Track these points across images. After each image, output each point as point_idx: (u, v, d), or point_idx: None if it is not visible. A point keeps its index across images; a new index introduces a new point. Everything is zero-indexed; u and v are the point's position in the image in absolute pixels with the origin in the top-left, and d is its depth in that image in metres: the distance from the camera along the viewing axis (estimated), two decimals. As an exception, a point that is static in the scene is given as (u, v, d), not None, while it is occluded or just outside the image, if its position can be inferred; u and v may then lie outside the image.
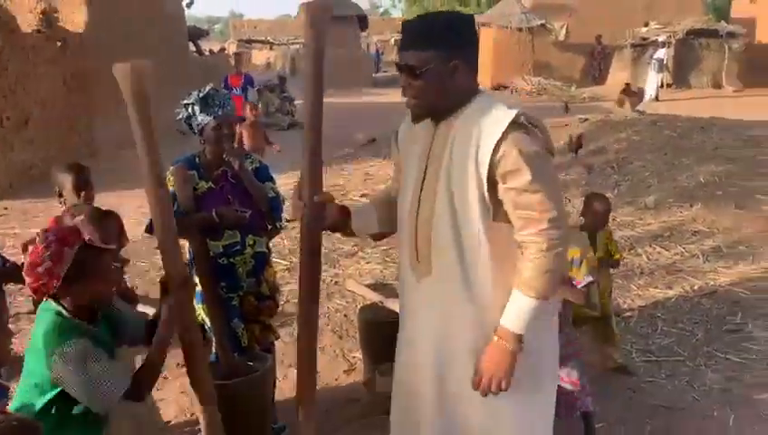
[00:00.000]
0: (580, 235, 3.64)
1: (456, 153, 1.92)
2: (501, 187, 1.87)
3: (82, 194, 3.19)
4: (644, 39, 21.16)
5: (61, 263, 1.85)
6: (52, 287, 1.87)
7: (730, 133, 8.84)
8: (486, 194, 1.88)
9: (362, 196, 7.82)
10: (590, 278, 2.98)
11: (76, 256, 1.86)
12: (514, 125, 1.84)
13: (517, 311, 1.88)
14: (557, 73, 22.63)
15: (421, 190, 2.02)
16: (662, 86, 18.91)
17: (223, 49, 26.67)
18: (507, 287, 1.91)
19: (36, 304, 2.09)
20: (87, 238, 1.93)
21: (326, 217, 2.12)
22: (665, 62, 18.83)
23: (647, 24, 22.18)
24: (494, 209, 1.90)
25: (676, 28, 20.80)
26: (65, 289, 1.89)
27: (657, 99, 17.64)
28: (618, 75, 22.00)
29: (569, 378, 3.02)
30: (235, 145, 3.44)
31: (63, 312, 1.92)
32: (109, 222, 2.87)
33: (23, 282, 2.89)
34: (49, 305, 1.93)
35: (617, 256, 3.80)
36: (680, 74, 20.83)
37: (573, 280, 2.96)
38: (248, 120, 7.80)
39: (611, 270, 3.94)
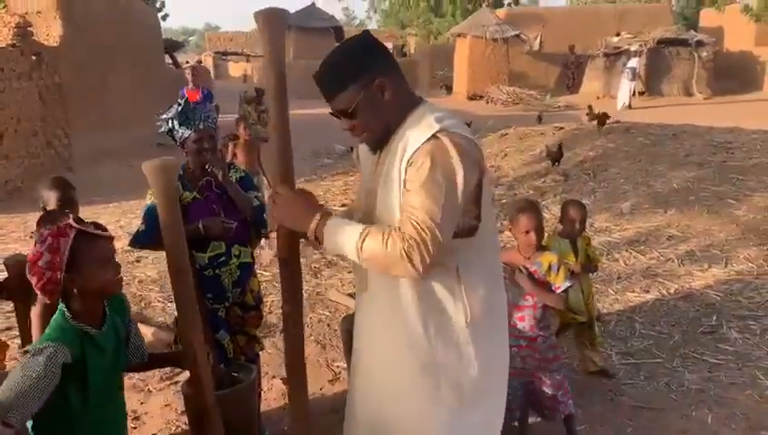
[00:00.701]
0: (561, 241, 3.73)
1: (386, 171, 1.92)
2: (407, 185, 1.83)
3: (66, 211, 3.17)
4: (616, 48, 21.55)
5: (58, 253, 1.89)
6: (58, 280, 1.91)
7: (700, 140, 9.03)
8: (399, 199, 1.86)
9: (342, 205, 7.86)
10: (569, 283, 3.05)
11: (73, 244, 1.91)
12: (433, 138, 1.81)
13: (345, 232, 1.84)
14: (532, 83, 22.98)
15: (366, 208, 2.05)
16: (634, 94, 19.25)
17: (200, 61, 26.58)
18: (432, 305, 1.92)
19: (50, 309, 2.13)
20: (79, 227, 1.95)
21: None
22: (637, 70, 19.18)
23: (618, 34, 22.60)
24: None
25: (647, 37, 21.22)
26: (72, 282, 1.93)
27: (630, 107, 17.96)
28: (591, 84, 22.40)
29: (550, 381, 3.08)
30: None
31: (66, 313, 1.97)
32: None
33: (7, 298, 2.89)
34: (59, 307, 1.98)
35: (597, 261, 3.89)
36: (652, 83, 21.23)
37: (553, 286, 3.03)
38: (241, 138, 7.22)
39: (591, 275, 4.03)
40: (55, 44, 11.16)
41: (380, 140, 1.96)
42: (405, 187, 1.83)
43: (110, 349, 2.06)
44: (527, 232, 3.02)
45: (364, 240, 1.79)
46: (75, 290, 1.95)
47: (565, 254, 3.57)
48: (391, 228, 1.79)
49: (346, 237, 1.83)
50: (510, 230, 3.29)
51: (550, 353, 3.11)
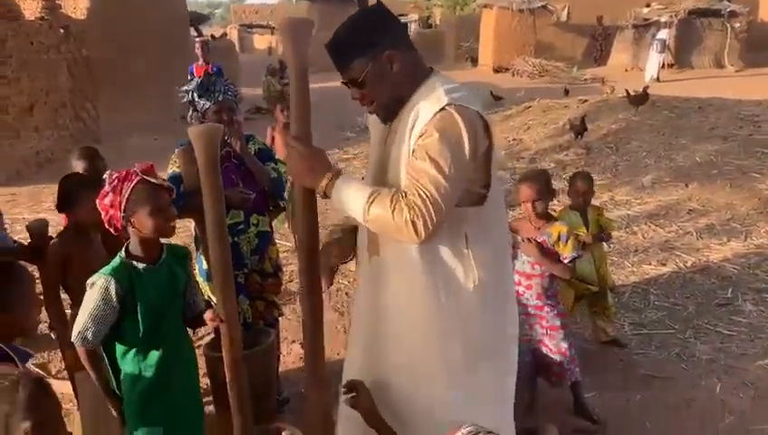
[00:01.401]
0: (571, 214, 3.77)
1: (397, 140, 1.99)
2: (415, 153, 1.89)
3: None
4: (646, 19, 21.06)
5: (120, 194, 2.21)
6: (118, 218, 2.22)
7: (727, 113, 8.89)
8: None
9: (363, 178, 7.94)
10: (576, 254, 3.10)
11: (134, 188, 2.22)
12: (442, 110, 1.87)
13: (353, 192, 1.89)
14: (558, 54, 22.58)
15: (374, 175, 2.13)
16: (664, 67, 18.86)
17: (224, 34, 26.67)
18: (442, 270, 1.99)
19: (115, 244, 2.51)
20: (142, 175, 2.24)
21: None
22: (667, 42, 18.76)
23: (648, 5, 22.07)
24: None
25: (678, 8, 20.69)
26: (128, 221, 2.24)
27: (658, 79, 17.62)
28: (619, 56, 21.95)
29: (557, 349, 3.16)
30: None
31: (123, 254, 2.31)
32: None
33: (31, 261, 3.07)
34: (120, 252, 2.34)
35: (609, 229, 3.92)
36: (682, 55, 20.74)
37: (561, 256, 3.09)
38: (279, 122, 6.15)
39: (605, 245, 4.07)
40: (83, 17, 11.32)
41: (389, 111, 2.02)
42: (413, 154, 1.90)
43: (160, 287, 2.33)
44: (525, 202, 3.09)
45: (372, 203, 1.86)
46: (131, 229, 2.26)
47: (575, 226, 3.61)
48: (398, 195, 1.86)
49: (354, 198, 1.90)
50: None
51: (557, 322, 3.17)
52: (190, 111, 3.28)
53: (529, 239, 3.08)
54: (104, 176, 2.29)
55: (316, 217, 2.05)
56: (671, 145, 8.09)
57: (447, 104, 1.87)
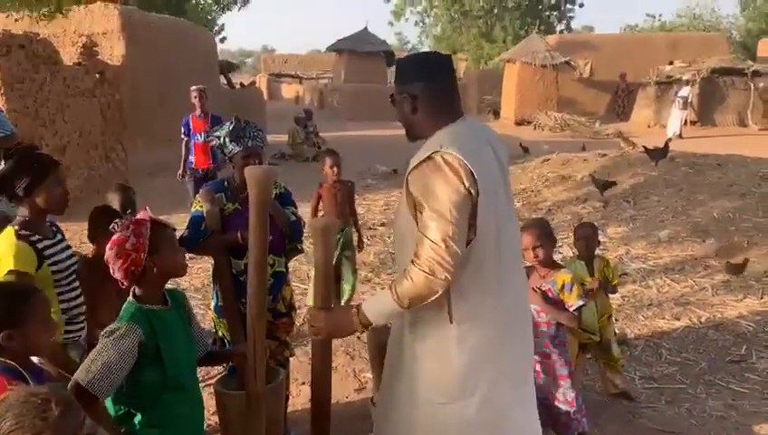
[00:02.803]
0: (577, 263, 3.83)
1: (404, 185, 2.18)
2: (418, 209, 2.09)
3: (128, 212, 3.57)
4: (669, 77, 21.27)
5: (142, 236, 2.17)
6: (141, 261, 2.16)
7: (746, 170, 8.91)
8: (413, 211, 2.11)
9: (381, 225, 8.05)
10: (582, 302, 3.15)
11: (152, 229, 2.19)
12: (428, 159, 2.04)
13: (378, 301, 2.18)
14: (581, 109, 22.82)
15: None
16: (686, 124, 18.95)
17: (253, 82, 27.42)
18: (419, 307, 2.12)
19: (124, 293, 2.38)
20: (151, 216, 2.25)
21: None
22: (689, 99, 18.88)
23: (671, 63, 22.31)
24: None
25: (701, 66, 20.88)
26: (153, 263, 2.19)
27: (681, 136, 17.69)
28: (642, 112, 22.12)
29: (564, 398, 3.17)
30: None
31: (134, 301, 2.23)
32: None
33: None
34: (129, 298, 2.26)
35: (615, 282, 3.95)
36: (705, 112, 20.83)
37: (565, 304, 3.14)
38: (328, 179, 5.19)
39: (618, 298, 4.10)
40: (118, 63, 11.79)
41: (407, 135, 2.30)
42: (417, 210, 2.07)
43: (178, 328, 2.32)
44: (525, 249, 3.14)
45: (395, 292, 2.03)
46: (155, 270, 2.21)
47: (581, 275, 3.66)
48: (409, 264, 2.02)
49: (382, 303, 2.12)
50: None
51: (564, 371, 3.20)
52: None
53: (533, 288, 3.14)
54: (111, 227, 2.23)
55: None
56: (689, 200, 8.12)
57: (434, 152, 2.03)
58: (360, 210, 8.74)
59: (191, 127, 7.91)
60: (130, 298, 2.27)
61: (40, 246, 2.63)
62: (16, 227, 2.62)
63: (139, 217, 2.25)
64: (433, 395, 2.14)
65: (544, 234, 3.21)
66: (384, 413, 2.35)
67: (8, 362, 1.89)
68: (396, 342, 2.29)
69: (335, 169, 5.11)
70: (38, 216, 2.68)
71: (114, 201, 3.68)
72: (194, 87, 8.00)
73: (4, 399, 1.50)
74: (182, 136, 7.90)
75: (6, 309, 1.94)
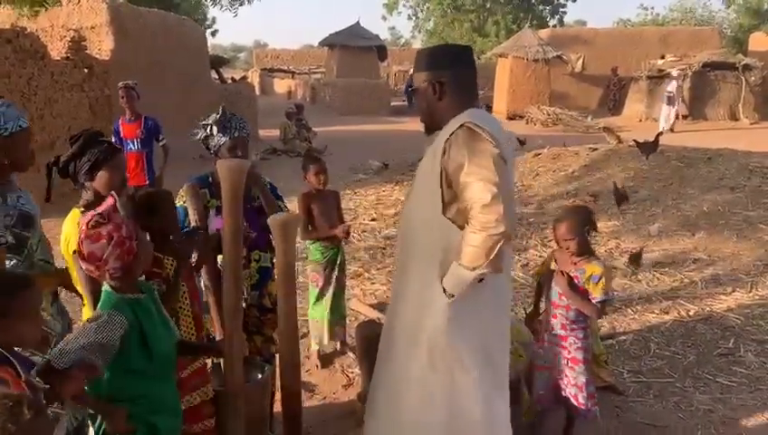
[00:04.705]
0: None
1: (422, 163, 2.31)
2: (453, 184, 2.17)
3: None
4: (660, 71, 21.30)
5: (127, 224, 2.19)
6: (134, 248, 2.17)
7: (736, 163, 8.92)
8: (440, 189, 2.20)
9: (372, 220, 8.03)
10: (605, 297, 3.12)
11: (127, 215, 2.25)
12: (462, 128, 2.16)
13: (451, 275, 2.23)
14: (573, 103, 22.84)
15: (408, 196, 2.48)
16: (678, 118, 18.98)
17: (245, 77, 27.30)
18: (423, 283, 2.30)
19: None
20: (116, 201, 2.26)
21: None
22: (674, 94, 18.84)
23: (663, 57, 22.35)
24: (444, 206, 2.23)
25: (692, 61, 20.93)
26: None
27: (672, 130, 17.71)
28: (633, 106, 22.18)
29: (575, 382, 3.20)
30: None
31: (109, 290, 2.22)
32: None
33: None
34: (105, 289, 2.24)
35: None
36: (696, 106, 20.90)
37: (589, 295, 3.14)
38: (311, 187, 4.45)
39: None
40: (106, 58, 11.69)
41: (427, 126, 2.42)
42: (452, 176, 2.16)
43: (157, 316, 2.31)
44: (560, 240, 3.20)
45: (462, 259, 2.14)
46: (141, 257, 2.22)
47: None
48: (465, 230, 2.14)
49: (457, 275, 2.19)
50: None
51: (579, 355, 3.21)
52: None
53: (562, 272, 3.17)
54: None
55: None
56: (679, 194, 8.12)
57: (465, 122, 2.16)
58: (350, 205, 8.74)
59: (121, 133, 6.45)
60: (107, 288, 2.23)
61: None
62: (82, 209, 2.73)
63: (107, 205, 2.20)
64: (427, 360, 2.33)
65: (579, 224, 3.18)
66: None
67: None
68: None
69: (321, 176, 4.41)
70: (100, 198, 2.71)
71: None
72: (121, 83, 6.62)
73: None
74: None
75: None
